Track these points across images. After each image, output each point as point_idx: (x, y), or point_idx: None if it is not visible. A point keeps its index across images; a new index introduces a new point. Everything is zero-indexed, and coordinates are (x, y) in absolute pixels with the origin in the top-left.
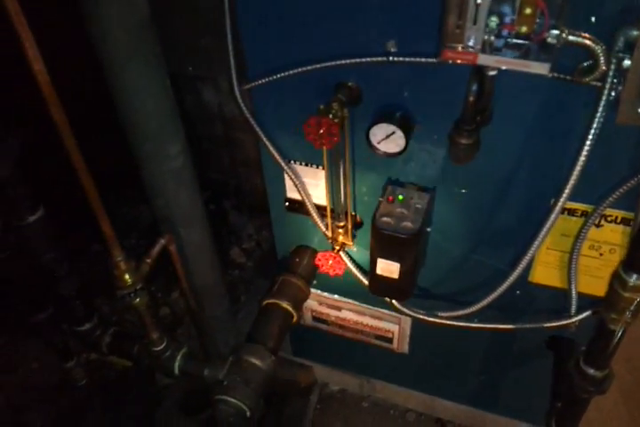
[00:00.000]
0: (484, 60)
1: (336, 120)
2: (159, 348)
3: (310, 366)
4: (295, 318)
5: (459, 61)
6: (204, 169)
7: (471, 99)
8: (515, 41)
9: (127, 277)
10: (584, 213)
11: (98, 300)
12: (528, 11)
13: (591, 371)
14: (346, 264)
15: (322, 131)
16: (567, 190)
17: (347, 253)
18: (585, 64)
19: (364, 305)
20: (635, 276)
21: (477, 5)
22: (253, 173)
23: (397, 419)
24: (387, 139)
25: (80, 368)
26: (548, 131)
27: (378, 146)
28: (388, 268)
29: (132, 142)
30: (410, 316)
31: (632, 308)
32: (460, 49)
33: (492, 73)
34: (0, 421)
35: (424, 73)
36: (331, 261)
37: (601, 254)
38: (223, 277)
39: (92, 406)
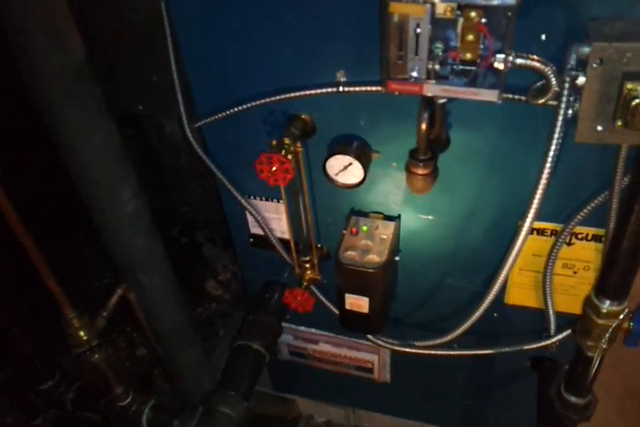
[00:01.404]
0: (430, 90)
1: (289, 156)
2: (124, 403)
3: (293, 399)
4: (267, 359)
5: (405, 93)
6: (172, 202)
7: (423, 127)
8: (461, 67)
9: (82, 334)
10: (554, 233)
11: (60, 353)
12: (470, 37)
13: (573, 398)
14: (315, 300)
15: (274, 168)
16: (532, 211)
17: (317, 286)
18: (538, 84)
19: (341, 337)
20: (607, 302)
21: (417, 35)
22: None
23: None
24: (344, 170)
25: (49, 425)
26: (508, 153)
27: (336, 178)
28: (356, 303)
29: (78, 189)
30: (386, 348)
31: (608, 335)
32: (404, 80)
33: (442, 101)
34: None
35: (378, 100)
36: (298, 298)
37: (575, 272)
38: (192, 320)
39: None
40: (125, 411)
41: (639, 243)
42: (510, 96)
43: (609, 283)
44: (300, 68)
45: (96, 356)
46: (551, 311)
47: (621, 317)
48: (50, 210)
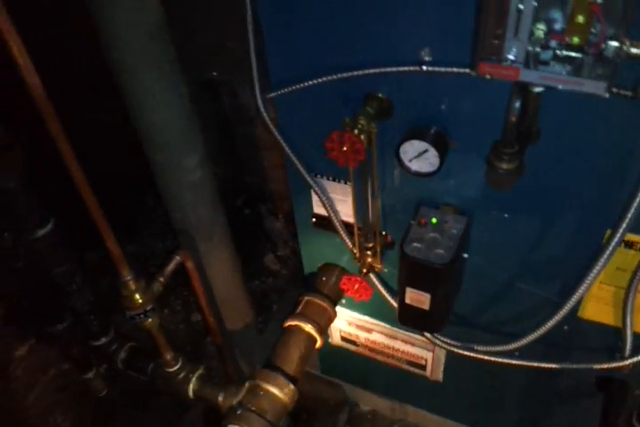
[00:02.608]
0: (527, 76)
1: (362, 136)
2: (173, 369)
3: (340, 384)
4: (319, 343)
5: (497, 77)
6: (240, 173)
7: (513, 119)
8: (565, 53)
9: (137, 297)
10: None
11: (116, 312)
12: (581, 19)
13: None
14: (374, 288)
15: (345, 148)
16: (626, 221)
17: (377, 275)
18: None
19: (396, 329)
20: None
21: (520, 12)
22: None
23: None
24: (419, 157)
25: (99, 380)
26: (607, 152)
27: (409, 164)
28: (417, 298)
29: (146, 152)
30: (443, 348)
31: None
32: (498, 62)
33: (538, 90)
34: (28, 421)
35: (463, 84)
36: (356, 286)
37: None
38: (248, 293)
39: (114, 414)
40: (173, 378)
41: None
42: (620, 91)
43: None
44: (382, 44)
45: (149, 320)
46: (629, 331)
47: None
48: (120, 173)
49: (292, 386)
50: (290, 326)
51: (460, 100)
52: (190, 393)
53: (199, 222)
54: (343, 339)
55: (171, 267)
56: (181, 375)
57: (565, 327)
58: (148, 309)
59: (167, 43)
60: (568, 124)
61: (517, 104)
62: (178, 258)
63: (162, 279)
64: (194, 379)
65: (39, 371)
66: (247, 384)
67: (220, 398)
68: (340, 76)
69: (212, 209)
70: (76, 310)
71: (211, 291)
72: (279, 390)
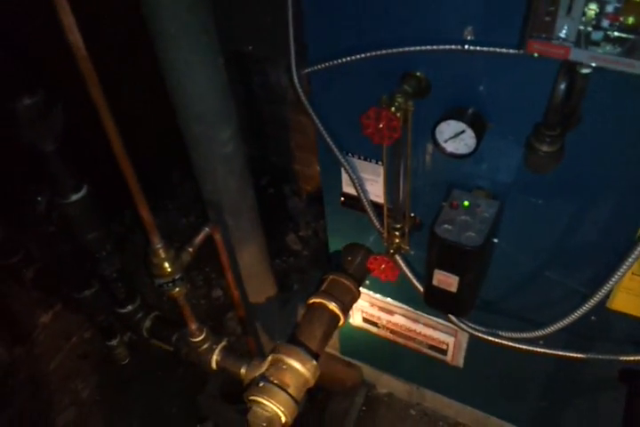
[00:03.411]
0: (577, 55)
1: (398, 114)
2: (197, 339)
3: (358, 366)
4: (342, 321)
5: (547, 55)
6: (266, 152)
7: (557, 100)
8: (617, 34)
9: (166, 265)
10: None
11: (143, 281)
12: None
13: None
14: (400, 270)
15: (381, 125)
16: None
17: (403, 257)
18: None
19: (419, 312)
20: None
21: None
22: (315, 160)
23: None
24: (455, 138)
25: (123, 348)
26: None
27: (444, 145)
28: (445, 280)
29: (180, 123)
30: (468, 332)
31: None
32: (548, 40)
33: (586, 71)
34: (50, 386)
35: (505, 65)
36: (383, 266)
37: None
38: (272, 267)
39: (134, 383)
40: (197, 348)
41: None
42: None
43: None
44: (423, 22)
45: (177, 289)
46: None
47: None
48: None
49: (314, 362)
50: (314, 303)
51: (498, 82)
52: (213, 364)
53: (229, 194)
54: (365, 320)
55: (200, 238)
56: (205, 346)
57: (593, 318)
58: (177, 277)
59: (207, 13)
60: (611, 108)
61: (563, 85)
62: (207, 229)
63: (190, 250)
64: (217, 350)
65: (62, 338)
66: (270, 357)
67: (243, 371)
68: (379, 53)
69: (241, 182)
70: (104, 276)
71: (236, 264)
72: (302, 365)
